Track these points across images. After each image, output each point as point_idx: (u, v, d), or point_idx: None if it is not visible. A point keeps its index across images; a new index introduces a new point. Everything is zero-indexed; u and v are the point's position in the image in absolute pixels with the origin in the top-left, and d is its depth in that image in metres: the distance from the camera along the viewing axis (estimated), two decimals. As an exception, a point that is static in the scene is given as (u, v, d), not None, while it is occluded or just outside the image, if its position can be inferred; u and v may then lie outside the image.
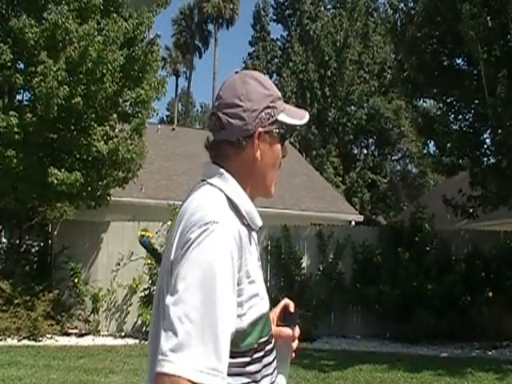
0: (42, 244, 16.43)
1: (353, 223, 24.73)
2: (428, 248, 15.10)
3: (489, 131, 15.00)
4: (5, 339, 13.34)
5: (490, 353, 13.59)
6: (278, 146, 2.11)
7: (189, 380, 1.64)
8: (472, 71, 15.00)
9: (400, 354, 12.89)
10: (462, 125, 15.42)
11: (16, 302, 13.73)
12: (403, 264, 14.57)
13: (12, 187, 13.70)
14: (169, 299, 1.74)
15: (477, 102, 14.83)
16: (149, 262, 14.82)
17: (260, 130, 1.99)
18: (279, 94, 2.10)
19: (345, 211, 25.01)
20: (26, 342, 13.31)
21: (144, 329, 15.12)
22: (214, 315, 1.71)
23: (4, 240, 17.11)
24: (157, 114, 26.39)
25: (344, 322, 15.54)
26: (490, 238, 15.92)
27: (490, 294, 14.46)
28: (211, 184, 1.97)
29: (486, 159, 15.25)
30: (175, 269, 1.78)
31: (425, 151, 20.13)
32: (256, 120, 1.99)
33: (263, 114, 2.00)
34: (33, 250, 16.40)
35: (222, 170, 1.99)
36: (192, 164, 25.31)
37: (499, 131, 13.96)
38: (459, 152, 15.28)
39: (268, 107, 2.02)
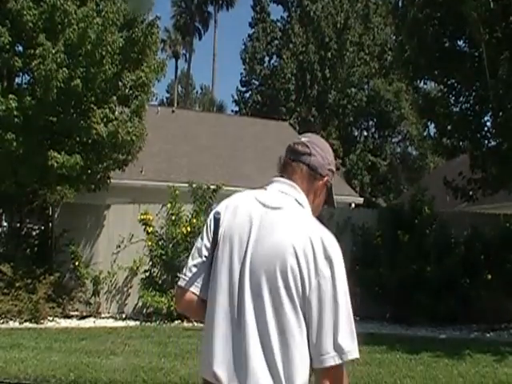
0: (42, 227, 16.43)
1: (352, 205, 24.80)
2: (428, 230, 15.09)
3: (490, 114, 14.97)
4: (7, 322, 13.37)
5: (488, 335, 13.65)
6: (325, 192, 2.81)
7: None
8: (473, 53, 14.95)
9: (399, 336, 12.95)
10: (463, 107, 15.37)
11: (17, 285, 13.74)
12: (403, 246, 14.59)
13: (12, 171, 13.68)
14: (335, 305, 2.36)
15: (478, 84, 14.78)
16: (149, 244, 14.84)
17: (328, 178, 2.75)
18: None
19: (345, 193, 24.99)
20: (27, 324, 13.32)
21: (145, 310, 15.17)
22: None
23: (4, 223, 17.12)
24: (156, 99, 26.31)
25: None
26: (489, 220, 15.95)
27: (489, 276, 14.49)
28: (301, 204, 2.63)
29: (486, 142, 15.22)
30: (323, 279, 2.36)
31: (425, 133, 20.20)
32: (327, 171, 2.75)
33: (330, 172, 2.77)
34: (33, 234, 16.40)
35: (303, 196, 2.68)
36: (192, 146, 25.34)
37: (500, 114, 13.94)
38: (460, 134, 15.25)
39: (333, 173, 2.80)
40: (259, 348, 2.31)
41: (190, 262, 2.63)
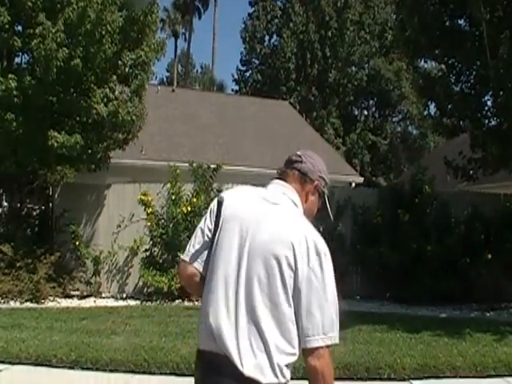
0: (42, 207, 16.43)
1: (353, 185, 24.80)
2: (428, 210, 15.10)
3: (490, 93, 14.91)
4: (7, 302, 13.39)
5: (488, 314, 13.67)
6: (317, 198, 3.13)
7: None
8: (474, 32, 14.85)
9: (399, 315, 12.94)
10: (464, 86, 15.30)
11: (18, 265, 13.76)
12: (403, 226, 14.59)
13: (12, 151, 13.65)
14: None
15: (478, 63, 14.71)
16: (149, 223, 14.86)
17: (317, 183, 3.08)
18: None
19: (345, 173, 25.03)
20: (28, 304, 13.33)
21: (145, 290, 15.22)
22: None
23: (5, 204, 17.13)
24: (156, 77, 26.22)
25: (344, 283, 15.54)
26: (489, 200, 15.96)
27: (489, 256, 14.50)
28: (295, 204, 2.97)
29: (486, 121, 15.16)
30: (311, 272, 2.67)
31: (425, 113, 20.07)
32: (318, 178, 3.09)
33: (322, 181, 3.11)
34: (34, 214, 16.39)
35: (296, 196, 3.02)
36: (192, 125, 25.32)
37: (500, 93, 13.89)
38: (460, 114, 15.20)
39: (325, 181, 3.13)
40: (252, 325, 2.65)
41: (193, 240, 2.92)
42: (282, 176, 3.09)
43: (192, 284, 2.99)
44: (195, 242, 2.91)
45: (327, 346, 2.66)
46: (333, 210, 3.23)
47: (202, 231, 2.92)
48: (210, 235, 2.87)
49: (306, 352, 2.67)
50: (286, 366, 2.67)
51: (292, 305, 2.67)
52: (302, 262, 2.65)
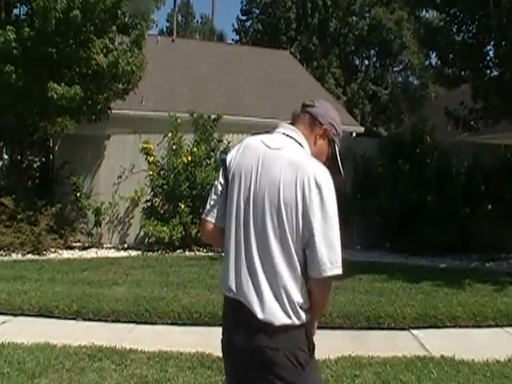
0: (43, 159, 16.44)
1: (353, 134, 24.72)
2: (428, 160, 15.09)
3: (492, 43, 14.77)
4: (9, 254, 13.45)
5: (488, 265, 13.75)
6: (326, 144, 3.19)
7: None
8: (476, -20, 14.69)
9: (399, 265, 13.02)
10: (465, 36, 15.12)
11: (19, 217, 13.83)
12: (403, 176, 14.60)
13: (12, 103, 13.57)
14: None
15: (481, 13, 14.54)
16: (150, 173, 14.87)
17: (327, 127, 3.13)
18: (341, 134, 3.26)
19: (346, 123, 24.88)
20: (30, 256, 13.42)
21: (146, 240, 15.30)
22: None
23: (5, 156, 17.11)
24: (156, 26, 26.02)
25: (344, 233, 15.52)
26: (490, 150, 15.92)
27: (490, 206, 14.55)
28: (300, 144, 3.03)
29: (488, 72, 15.05)
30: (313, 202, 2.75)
31: (427, 63, 19.97)
32: (328, 124, 3.14)
33: (332, 128, 3.17)
34: (34, 166, 16.40)
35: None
36: (192, 75, 25.18)
37: (503, 43, 13.79)
38: (461, 64, 15.08)
39: (336, 130, 3.19)
40: (265, 269, 2.80)
41: (209, 199, 3.13)
42: (293, 119, 3.18)
43: (213, 238, 3.19)
44: (211, 200, 3.11)
45: (332, 276, 2.76)
46: (344, 165, 3.28)
47: (216, 188, 3.10)
48: (221, 190, 3.07)
49: (312, 282, 2.81)
50: (300, 306, 2.79)
51: (300, 243, 2.78)
52: (303, 198, 2.76)
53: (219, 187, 3.08)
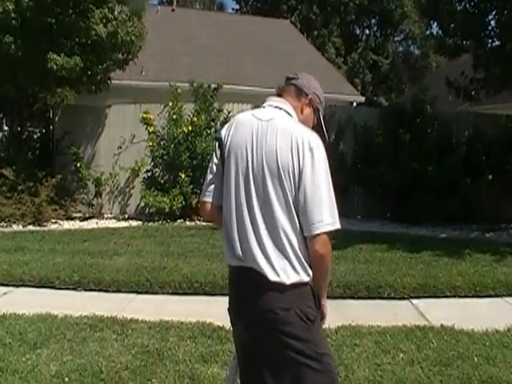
0: (43, 130, 16.43)
1: (354, 104, 24.66)
2: (429, 130, 15.06)
3: (494, 12, 14.67)
4: (10, 225, 13.47)
5: (487, 235, 13.77)
6: (312, 113, 3.38)
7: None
8: None
9: (399, 235, 13.05)
10: (467, 5, 14.98)
11: (20, 188, 13.83)
12: (404, 146, 14.59)
13: (11, 74, 13.50)
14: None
15: (483, -20, 14.46)
16: (150, 144, 14.85)
17: (312, 97, 3.33)
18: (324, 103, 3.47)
19: (346, 92, 24.85)
20: (30, 227, 13.43)
21: (147, 210, 15.32)
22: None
23: (5, 128, 17.08)
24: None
25: (345, 203, 15.58)
26: (491, 121, 15.87)
27: (490, 177, 14.54)
28: (289, 114, 3.19)
29: (490, 41, 14.97)
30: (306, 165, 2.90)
31: (428, 32, 19.81)
32: (312, 94, 3.33)
33: (316, 97, 3.36)
34: (34, 137, 16.41)
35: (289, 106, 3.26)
36: (192, 45, 25.07)
37: (505, 12, 13.70)
38: (463, 33, 14.98)
39: (319, 99, 3.38)
40: (270, 233, 2.93)
41: (205, 180, 3.25)
42: (280, 92, 3.35)
43: (214, 217, 3.28)
44: (207, 181, 3.23)
45: (328, 232, 2.88)
46: (331, 130, 3.35)
47: (211, 168, 3.23)
48: (217, 168, 3.19)
49: (309, 240, 2.90)
50: (306, 261, 2.94)
51: (299, 204, 2.91)
52: (298, 162, 2.90)
53: (214, 167, 3.21)
